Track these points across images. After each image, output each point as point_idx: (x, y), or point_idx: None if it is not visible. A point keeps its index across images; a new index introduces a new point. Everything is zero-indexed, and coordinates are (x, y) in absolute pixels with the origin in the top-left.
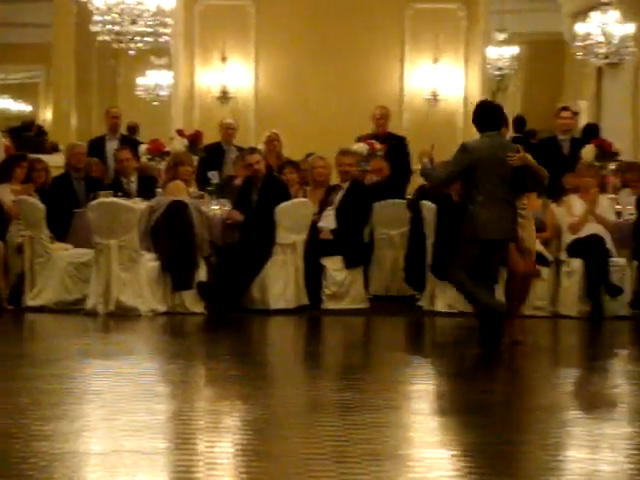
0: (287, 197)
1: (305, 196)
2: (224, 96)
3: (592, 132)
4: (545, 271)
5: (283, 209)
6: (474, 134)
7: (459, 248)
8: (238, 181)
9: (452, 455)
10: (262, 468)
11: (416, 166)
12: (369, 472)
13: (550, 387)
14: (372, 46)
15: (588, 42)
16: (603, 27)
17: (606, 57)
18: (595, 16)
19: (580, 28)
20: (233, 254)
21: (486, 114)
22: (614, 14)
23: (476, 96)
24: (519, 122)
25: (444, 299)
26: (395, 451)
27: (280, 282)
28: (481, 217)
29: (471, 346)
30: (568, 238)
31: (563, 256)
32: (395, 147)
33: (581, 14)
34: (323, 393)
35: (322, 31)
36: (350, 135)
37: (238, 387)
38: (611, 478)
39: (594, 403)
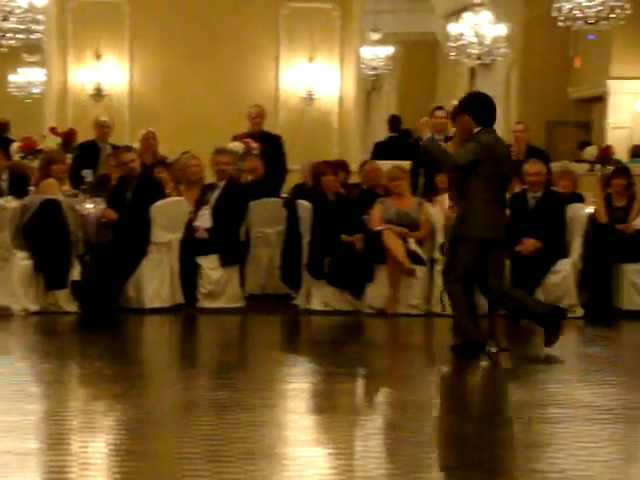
0: (162, 196)
1: (180, 195)
2: (98, 94)
3: None
4: (419, 270)
5: (158, 208)
6: (350, 132)
7: (456, 251)
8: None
9: (328, 453)
10: (136, 468)
11: (291, 164)
12: (244, 471)
13: (424, 385)
14: (247, 45)
15: (461, 42)
16: (475, 28)
17: (478, 57)
18: (467, 17)
19: (453, 29)
20: (107, 253)
21: (487, 107)
22: (486, 15)
23: (351, 95)
24: (394, 122)
25: (320, 297)
26: (270, 450)
27: (155, 281)
28: (483, 215)
29: (346, 344)
30: (442, 237)
31: (437, 255)
32: (271, 146)
33: (454, 15)
34: (198, 392)
35: (197, 29)
36: (226, 134)
37: (112, 387)
38: (482, 474)
39: (466, 401)
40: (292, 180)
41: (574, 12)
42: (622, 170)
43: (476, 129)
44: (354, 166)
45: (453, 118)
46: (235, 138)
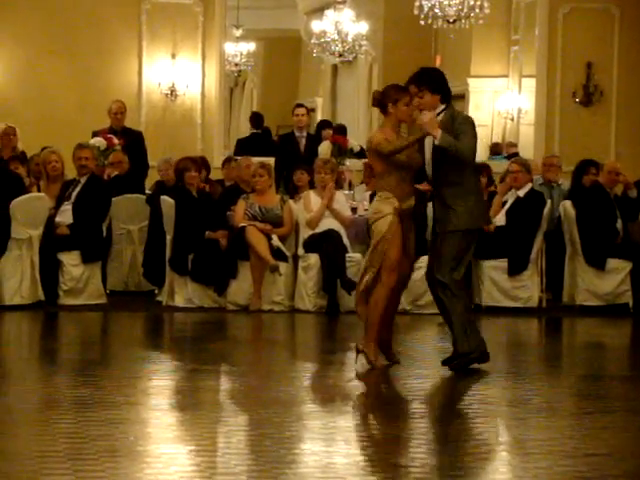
0: (22, 191)
1: (40, 190)
2: None
3: (324, 128)
4: (283, 266)
5: (18, 203)
6: (213, 129)
7: (444, 245)
8: None
9: (190, 450)
10: None
11: (153, 161)
12: (105, 469)
13: (287, 381)
14: (109, 39)
15: (323, 40)
16: (338, 25)
17: (341, 54)
18: (330, 14)
19: (316, 26)
20: None
21: (445, 80)
22: (348, 12)
23: (214, 92)
24: (257, 119)
25: (183, 294)
26: (132, 447)
27: (15, 277)
28: (481, 204)
29: (210, 340)
30: (305, 233)
31: (300, 251)
32: (132, 142)
33: (317, 12)
34: (59, 390)
35: (58, 22)
36: (87, 129)
37: None
38: (344, 470)
39: (330, 396)
40: (154, 176)
41: (435, 10)
42: (482, 167)
43: (441, 107)
44: (216, 162)
45: (401, 98)
46: (95, 134)
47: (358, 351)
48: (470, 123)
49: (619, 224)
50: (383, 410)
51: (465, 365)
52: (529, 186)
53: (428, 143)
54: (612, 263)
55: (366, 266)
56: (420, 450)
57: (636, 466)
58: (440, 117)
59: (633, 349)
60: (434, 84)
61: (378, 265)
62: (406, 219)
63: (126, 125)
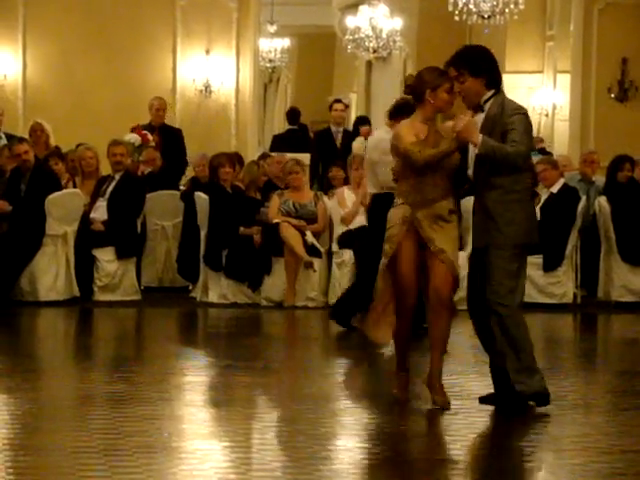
0: (57, 187)
1: (75, 186)
2: None
3: (362, 124)
4: (317, 262)
5: (53, 199)
6: (247, 125)
7: (494, 262)
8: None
9: (225, 446)
10: (30, 462)
11: (187, 157)
12: (140, 465)
13: (321, 377)
14: (144, 36)
15: (358, 35)
16: (372, 21)
17: (375, 51)
18: (364, 10)
19: (350, 22)
20: (1, 245)
21: (495, 63)
22: (383, 8)
23: (248, 88)
24: (293, 114)
25: (217, 290)
26: (167, 443)
27: (50, 274)
28: (524, 213)
29: (244, 336)
30: (340, 229)
31: (335, 247)
32: (171, 139)
33: (351, 8)
34: (94, 385)
35: (93, 18)
36: (122, 125)
37: (6, 380)
38: (377, 465)
39: (364, 393)
40: (191, 173)
41: (469, 6)
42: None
43: (488, 94)
44: (251, 158)
45: (448, 83)
46: (133, 129)
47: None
48: (522, 114)
49: None
50: (414, 407)
51: (524, 408)
52: (561, 182)
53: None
54: None
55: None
56: (454, 446)
57: None
58: (487, 106)
59: None
60: (476, 65)
61: (387, 283)
62: (430, 231)
63: (165, 122)
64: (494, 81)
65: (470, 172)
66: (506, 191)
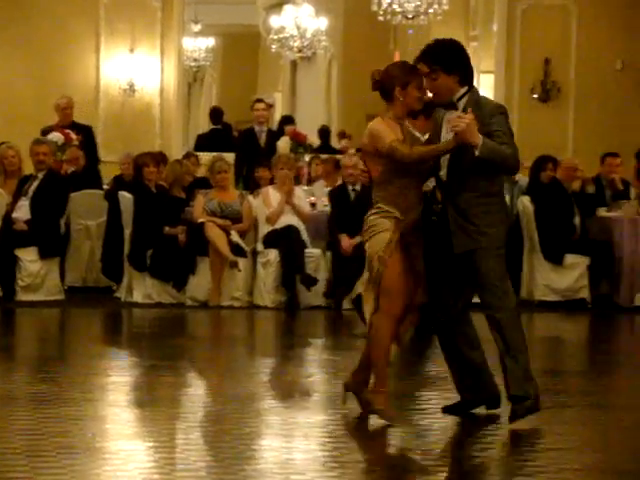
0: None
1: None
2: None
3: (287, 123)
4: (242, 262)
5: None
6: (172, 124)
7: (483, 265)
8: None
9: (149, 447)
10: None
11: (111, 156)
12: (64, 465)
13: (246, 377)
14: (67, 33)
15: (282, 35)
16: (297, 21)
17: (300, 50)
18: (289, 10)
19: (274, 21)
20: None
21: (467, 59)
22: (307, 8)
23: (172, 87)
24: (216, 114)
25: (141, 290)
26: (91, 444)
27: None
28: (502, 214)
29: (168, 336)
30: (265, 229)
31: (260, 247)
32: (83, 137)
33: (276, 7)
34: (16, 386)
35: (16, 19)
36: (45, 125)
37: None
38: (304, 465)
39: (289, 392)
40: (112, 171)
41: (394, 6)
42: None
43: (461, 91)
44: (175, 158)
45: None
46: (45, 132)
47: (347, 390)
48: (503, 114)
49: (577, 220)
50: (343, 406)
51: (526, 413)
52: None
53: (446, 137)
54: (570, 259)
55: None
56: (385, 448)
57: (595, 460)
58: (460, 104)
59: (591, 344)
60: (450, 61)
61: (376, 292)
62: (410, 235)
63: (78, 120)
64: (467, 78)
65: (442, 173)
66: (483, 193)
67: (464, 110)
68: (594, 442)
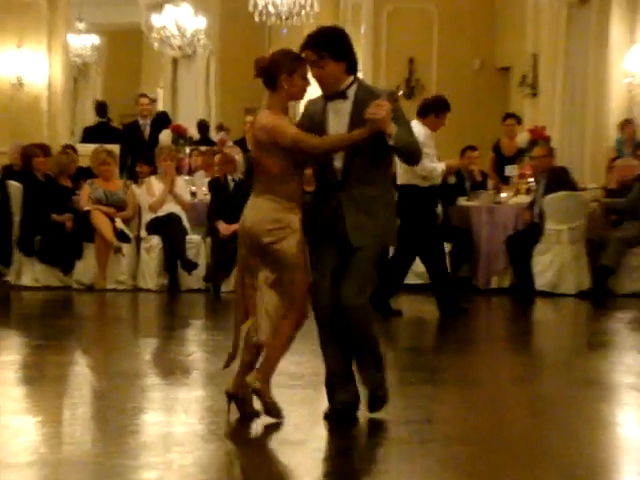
0: None
1: None
2: None
3: (165, 118)
4: (126, 247)
5: None
6: (59, 117)
7: (358, 261)
8: None
9: (36, 422)
10: None
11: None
12: None
13: (130, 355)
14: None
15: (163, 34)
16: (177, 20)
17: (180, 48)
18: (170, 9)
19: (156, 20)
20: None
21: (352, 46)
22: (187, 8)
23: (59, 81)
24: (101, 108)
25: (30, 274)
26: None
27: None
28: (391, 212)
29: (56, 318)
30: (148, 216)
31: (143, 233)
32: None
33: (157, 7)
34: None
35: None
36: None
37: None
38: (184, 438)
39: (170, 370)
40: (1, 161)
41: (269, 7)
42: None
43: (349, 80)
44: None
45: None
46: None
47: (231, 396)
48: (397, 101)
49: (439, 209)
50: (221, 383)
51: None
52: None
53: (336, 129)
54: None
55: (269, 300)
56: (259, 420)
57: (452, 431)
58: (350, 93)
59: (451, 323)
60: (339, 49)
61: (296, 301)
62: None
63: None
64: (354, 66)
65: (337, 164)
66: (379, 187)
67: (359, 99)
68: (454, 414)
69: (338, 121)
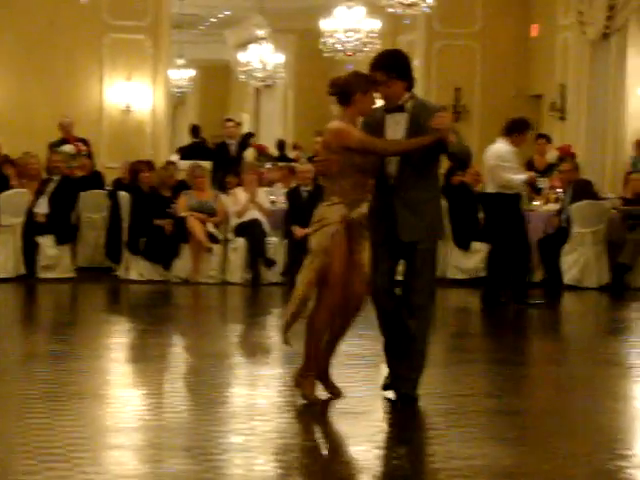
0: (8, 187)
1: (23, 187)
2: None
3: (248, 138)
4: (216, 248)
5: (5, 197)
6: (160, 138)
7: (422, 261)
8: None
9: (142, 394)
10: None
11: (112, 162)
12: (74, 409)
13: (219, 338)
14: (77, 66)
15: (248, 68)
16: (260, 56)
17: (262, 80)
18: (253, 47)
19: (242, 57)
20: None
21: (411, 67)
22: (268, 46)
23: (161, 108)
24: (195, 130)
25: (136, 270)
26: (96, 391)
27: (2, 256)
28: (439, 210)
29: (157, 307)
30: (234, 222)
31: (230, 236)
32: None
33: (243, 46)
34: (37, 345)
35: (37, 54)
36: (59, 138)
37: None
38: (265, 409)
39: (253, 351)
40: (113, 175)
41: (336, 45)
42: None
43: (406, 95)
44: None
45: (369, 85)
46: (52, 144)
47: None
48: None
49: (480, 214)
50: (297, 362)
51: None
52: None
53: (393, 137)
54: (475, 245)
55: (300, 280)
56: (330, 396)
57: (492, 403)
58: (407, 107)
59: (491, 312)
60: (404, 70)
61: (315, 281)
62: (356, 229)
63: (83, 135)
64: (412, 84)
65: (391, 170)
66: (428, 190)
67: (414, 113)
68: (494, 389)
69: (396, 131)
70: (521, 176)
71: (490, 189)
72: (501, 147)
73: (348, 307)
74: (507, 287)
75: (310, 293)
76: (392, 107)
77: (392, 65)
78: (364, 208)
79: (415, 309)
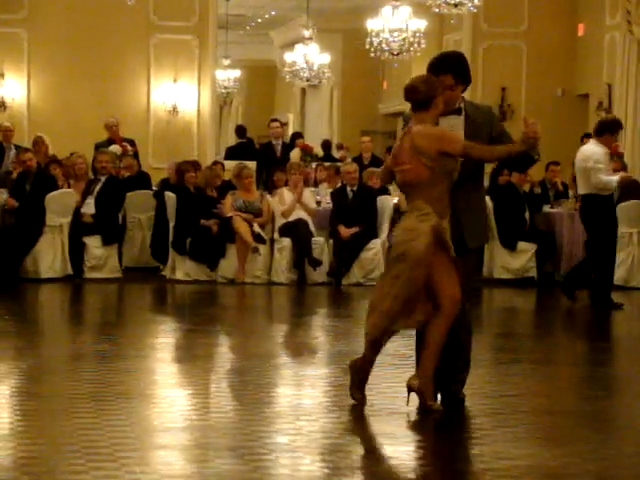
0: (55, 188)
1: (69, 187)
2: (1, 105)
3: (297, 138)
4: (262, 248)
5: (52, 197)
6: (206, 138)
7: (468, 264)
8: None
9: (188, 394)
10: (34, 406)
11: (158, 163)
12: (121, 408)
13: (265, 338)
14: (124, 67)
15: (294, 68)
16: (306, 56)
17: (308, 80)
18: (299, 48)
19: (288, 57)
20: (9, 234)
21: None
22: (314, 46)
23: (207, 109)
24: (240, 130)
25: (183, 269)
26: (143, 391)
27: (50, 256)
28: (485, 215)
29: (203, 306)
30: (280, 222)
31: (276, 236)
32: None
33: (289, 46)
34: (84, 345)
35: (84, 54)
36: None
37: (14, 340)
38: (311, 409)
39: (299, 351)
40: (160, 175)
41: (382, 45)
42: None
43: (461, 98)
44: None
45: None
46: (98, 144)
47: (411, 390)
48: (497, 117)
49: (527, 215)
50: (342, 362)
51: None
52: None
53: None
54: (521, 245)
55: (386, 293)
56: (370, 393)
57: (539, 404)
58: (462, 109)
59: (538, 312)
60: (466, 73)
61: (407, 295)
62: (444, 238)
63: (130, 136)
64: (467, 87)
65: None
66: (479, 195)
67: (469, 115)
68: (541, 389)
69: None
70: (615, 177)
71: (583, 191)
72: (594, 149)
73: (443, 309)
74: (581, 287)
75: (397, 307)
76: (448, 110)
77: (459, 69)
78: (448, 218)
79: (462, 311)
